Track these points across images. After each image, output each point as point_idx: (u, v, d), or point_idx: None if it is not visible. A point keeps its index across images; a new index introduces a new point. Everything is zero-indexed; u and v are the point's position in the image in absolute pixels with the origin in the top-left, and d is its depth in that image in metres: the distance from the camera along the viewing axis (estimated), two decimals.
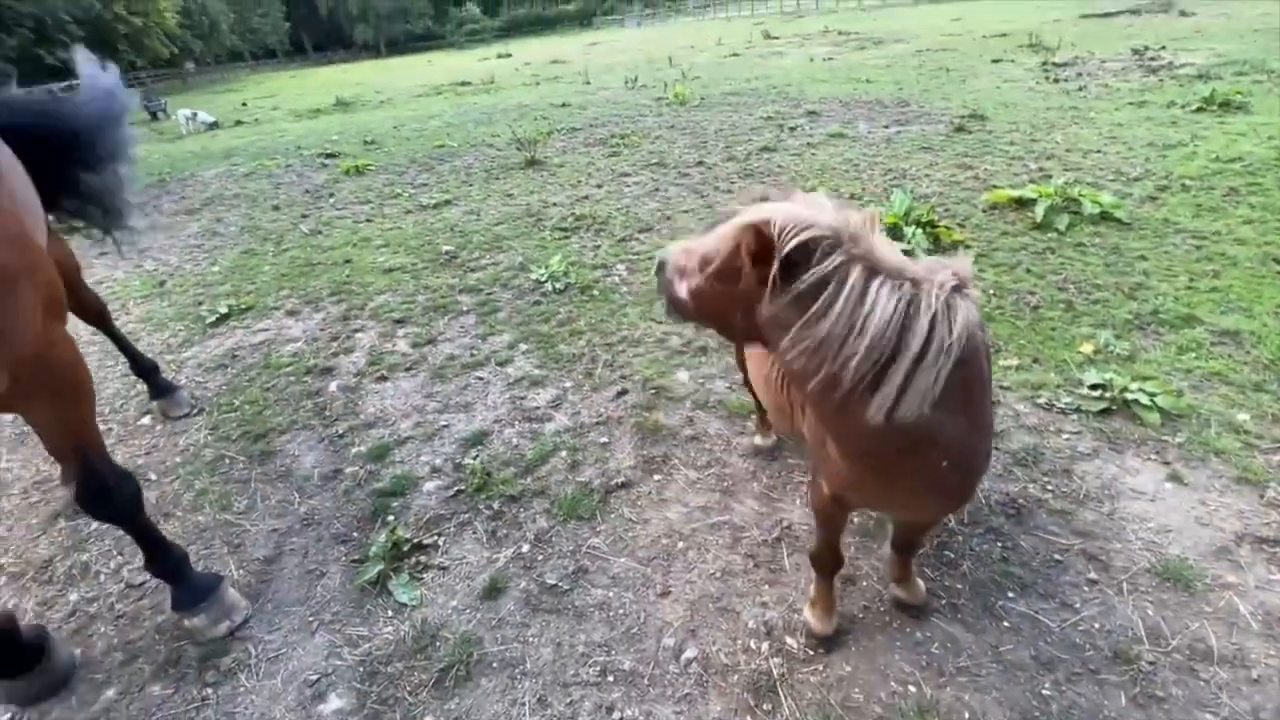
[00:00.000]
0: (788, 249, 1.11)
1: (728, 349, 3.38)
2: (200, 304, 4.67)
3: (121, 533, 2.39)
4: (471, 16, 73.29)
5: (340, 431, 3.00)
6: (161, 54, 42.27)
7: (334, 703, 1.78)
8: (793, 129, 7.95)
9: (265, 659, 1.94)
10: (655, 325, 3.69)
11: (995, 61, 11.12)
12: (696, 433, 2.78)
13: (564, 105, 12.34)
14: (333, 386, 3.39)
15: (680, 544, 2.21)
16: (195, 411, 3.32)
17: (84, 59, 2.45)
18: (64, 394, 1.56)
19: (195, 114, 15.67)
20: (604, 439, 2.80)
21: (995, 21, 17.11)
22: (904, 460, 1.26)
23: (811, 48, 17.33)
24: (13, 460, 3.09)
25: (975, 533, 2.12)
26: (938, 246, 4.10)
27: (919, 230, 4.13)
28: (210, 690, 1.85)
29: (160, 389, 3.31)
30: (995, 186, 5.06)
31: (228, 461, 2.90)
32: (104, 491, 1.74)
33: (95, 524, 2.57)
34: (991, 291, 3.60)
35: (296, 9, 65.82)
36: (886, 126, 7.54)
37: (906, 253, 4.04)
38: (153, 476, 2.87)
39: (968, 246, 4.13)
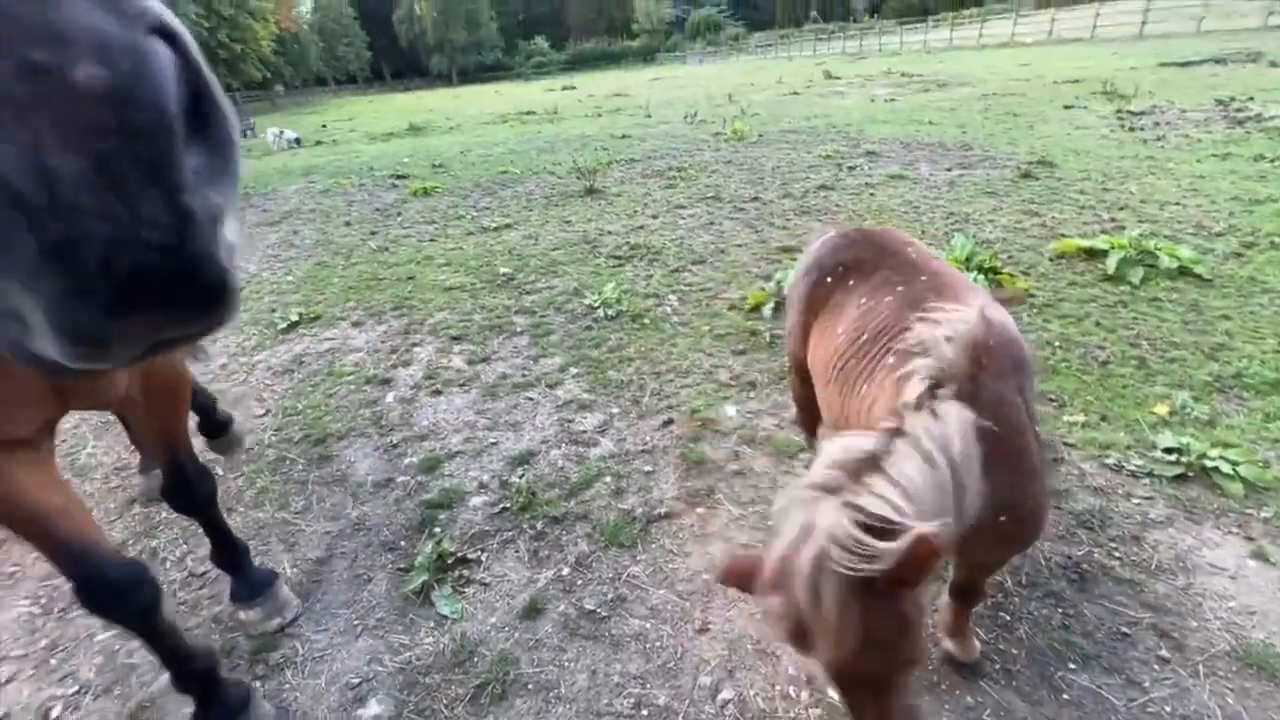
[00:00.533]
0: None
1: (775, 385, 3.36)
2: (274, 311, 4.94)
3: (188, 523, 2.54)
4: (539, 50, 76.50)
5: (394, 441, 3.11)
6: (255, 77, 45.70)
7: (373, 708, 1.81)
8: (851, 168, 7.93)
9: (311, 658, 2.00)
10: (704, 357, 3.70)
11: (1067, 108, 10.86)
12: (742, 468, 2.76)
13: (624, 137, 12.67)
14: (390, 397, 3.52)
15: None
16: (263, 413, 3.50)
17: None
18: (166, 399, 1.68)
19: (282, 131, 16.83)
20: (648, 467, 2.80)
21: (1067, 67, 16.75)
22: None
23: (873, 89, 17.33)
24: (97, 447, 3.32)
25: (1034, 596, 2.02)
26: (998, 295, 3.99)
27: (981, 275, 4.03)
28: (258, 683, 1.91)
29: (215, 426, 3.09)
30: (1064, 235, 4.91)
31: (288, 463, 3.04)
32: (186, 485, 1.85)
33: (165, 513, 2.72)
34: (1056, 343, 3.47)
35: (378, 39, 70.24)
36: (949, 169, 7.43)
37: None
38: (219, 471, 3.03)
39: (1032, 295, 4.00)
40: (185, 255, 0.34)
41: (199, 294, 0.35)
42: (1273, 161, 6.35)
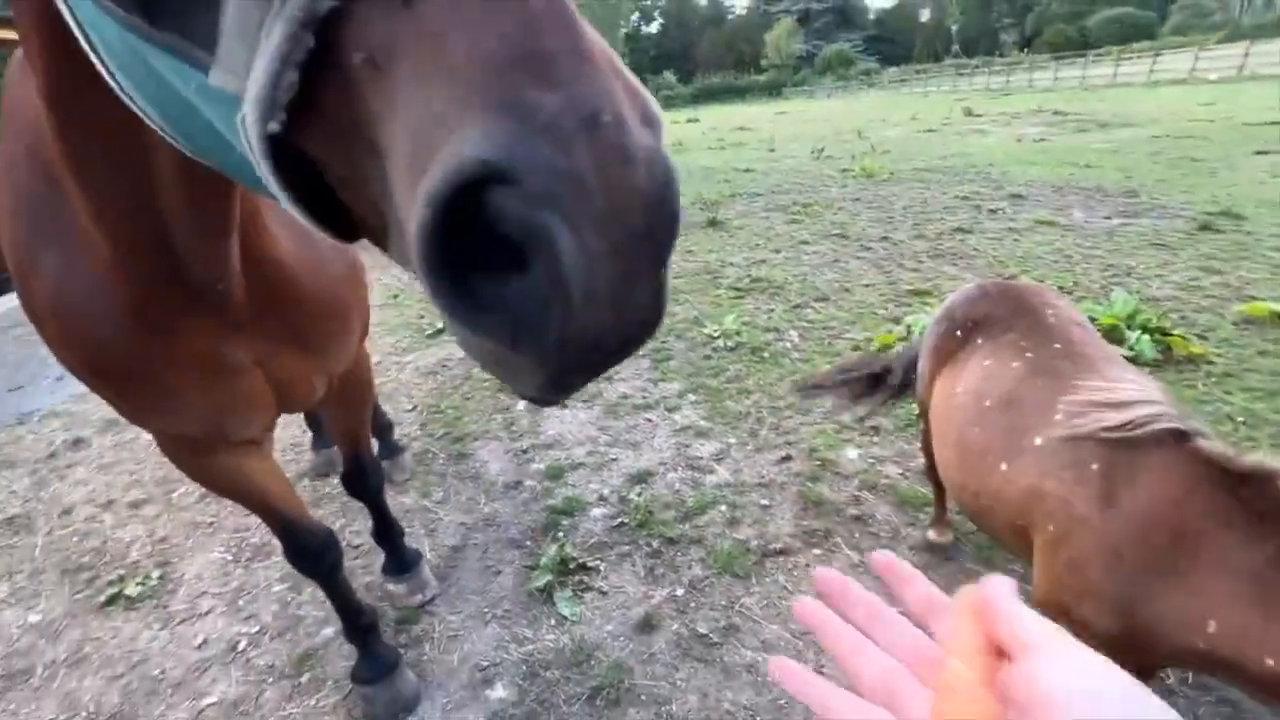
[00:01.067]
0: None
1: (901, 431, 3.25)
2: (422, 317, 5.48)
3: (347, 499, 2.87)
4: (667, 83, 79.22)
5: (524, 447, 3.34)
6: None
7: (499, 691, 1.96)
8: (993, 211, 7.49)
9: (446, 636, 2.20)
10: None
11: (1260, 153, 9.58)
12: (862, 514, 2.69)
13: (747, 170, 12.79)
14: (520, 405, 3.79)
15: None
16: (411, 408, 3.89)
17: None
18: (357, 399, 1.92)
19: None
20: (764, 501, 2.81)
21: (1262, 107, 14.79)
22: None
23: (1020, 127, 16.26)
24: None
25: (1203, 699, 1.80)
26: (1169, 358, 3.61)
27: (1145, 336, 3.66)
28: (402, 650, 2.13)
29: (390, 449, 3.24)
30: (1252, 297, 4.33)
31: (430, 455, 3.36)
32: (363, 476, 2.10)
33: (329, 487, 3.10)
34: (1240, 419, 3.07)
35: None
36: (1108, 217, 6.81)
37: (1130, 359, 3.61)
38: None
39: (1210, 362, 3.58)
40: (658, 327, 0.42)
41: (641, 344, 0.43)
42: None
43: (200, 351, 1.17)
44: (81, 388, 4.41)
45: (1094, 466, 1.29)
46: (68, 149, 0.83)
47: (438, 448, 3.41)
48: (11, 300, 7.93)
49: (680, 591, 2.32)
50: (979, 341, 1.78)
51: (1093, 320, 3.87)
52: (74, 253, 1.03)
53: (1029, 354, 1.62)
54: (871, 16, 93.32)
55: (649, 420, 3.54)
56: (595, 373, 0.42)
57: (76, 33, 0.56)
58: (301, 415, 3.51)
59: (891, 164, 11.70)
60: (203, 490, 3.25)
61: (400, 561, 2.35)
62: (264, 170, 0.43)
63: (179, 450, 1.47)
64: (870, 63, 78.88)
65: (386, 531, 2.33)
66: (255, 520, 2.98)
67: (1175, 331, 3.79)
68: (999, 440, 1.50)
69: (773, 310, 5.01)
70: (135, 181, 0.84)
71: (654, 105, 0.40)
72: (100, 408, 4.47)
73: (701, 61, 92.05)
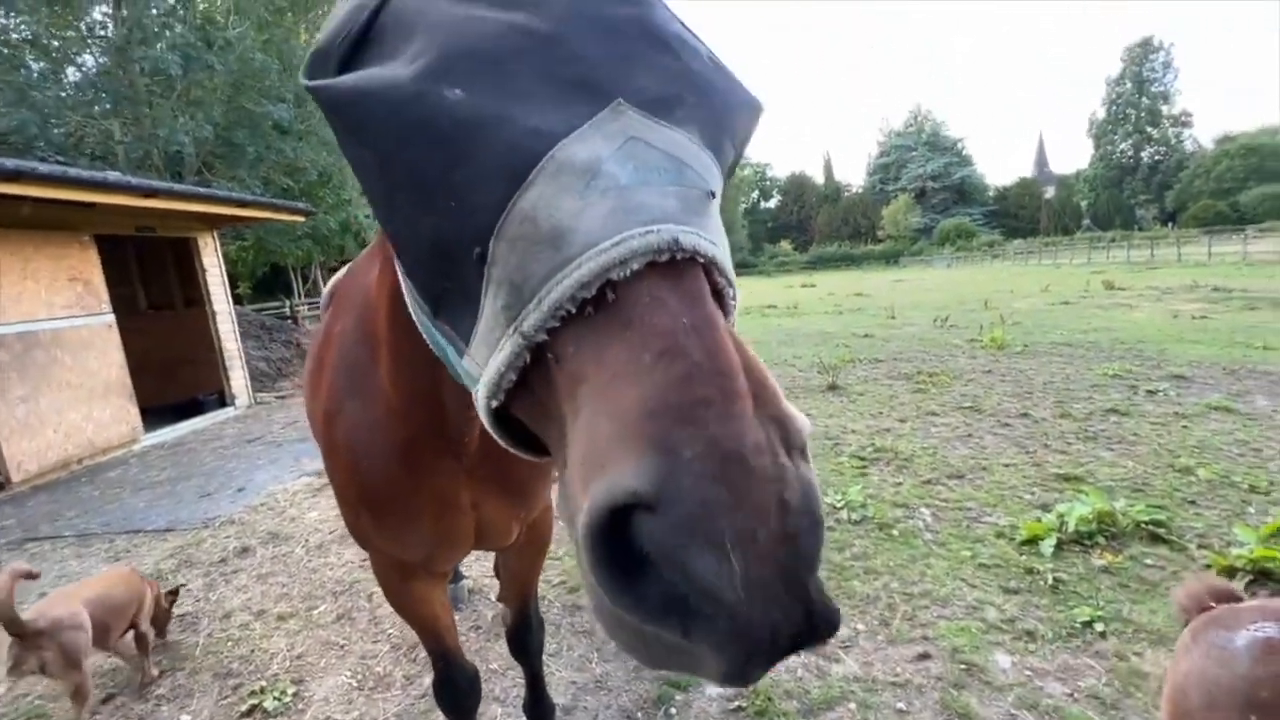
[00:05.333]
0: None
1: (1063, 640, 2.82)
2: None
3: (472, 644, 2.93)
4: (783, 251, 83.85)
5: None
6: None
7: None
8: (1151, 392, 6.86)
9: None
10: (966, 587, 3.31)
11: None
12: None
13: (866, 336, 12.83)
14: None
15: None
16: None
17: None
18: (539, 547, 2.02)
19: None
20: (901, 704, 2.50)
21: None
22: None
23: (1173, 303, 15.18)
24: None
25: None
26: None
27: None
28: None
29: (455, 576, 3.38)
30: None
31: (546, 602, 3.38)
32: (528, 633, 2.15)
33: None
34: None
35: None
36: None
37: None
38: (492, 596, 3.49)
39: None
40: (829, 620, 0.48)
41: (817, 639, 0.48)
42: None
43: (440, 490, 1.40)
44: (257, 499, 5.02)
45: None
46: (392, 339, 1.17)
47: (553, 595, 3.44)
48: (216, 416, 9.45)
49: None
50: None
51: None
52: (371, 402, 1.34)
53: None
54: (991, 193, 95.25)
55: None
56: (772, 662, 0.47)
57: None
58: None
59: (1024, 336, 11.25)
60: (339, 612, 3.49)
61: None
62: (487, 423, 0.61)
63: (390, 572, 1.66)
64: (993, 235, 79.10)
65: (540, 705, 2.28)
66: (381, 648, 3.12)
67: None
68: None
69: (901, 484, 4.76)
70: (429, 368, 1.13)
71: (798, 425, 0.48)
72: (268, 520, 5.04)
73: (818, 232, 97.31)
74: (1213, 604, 1.39)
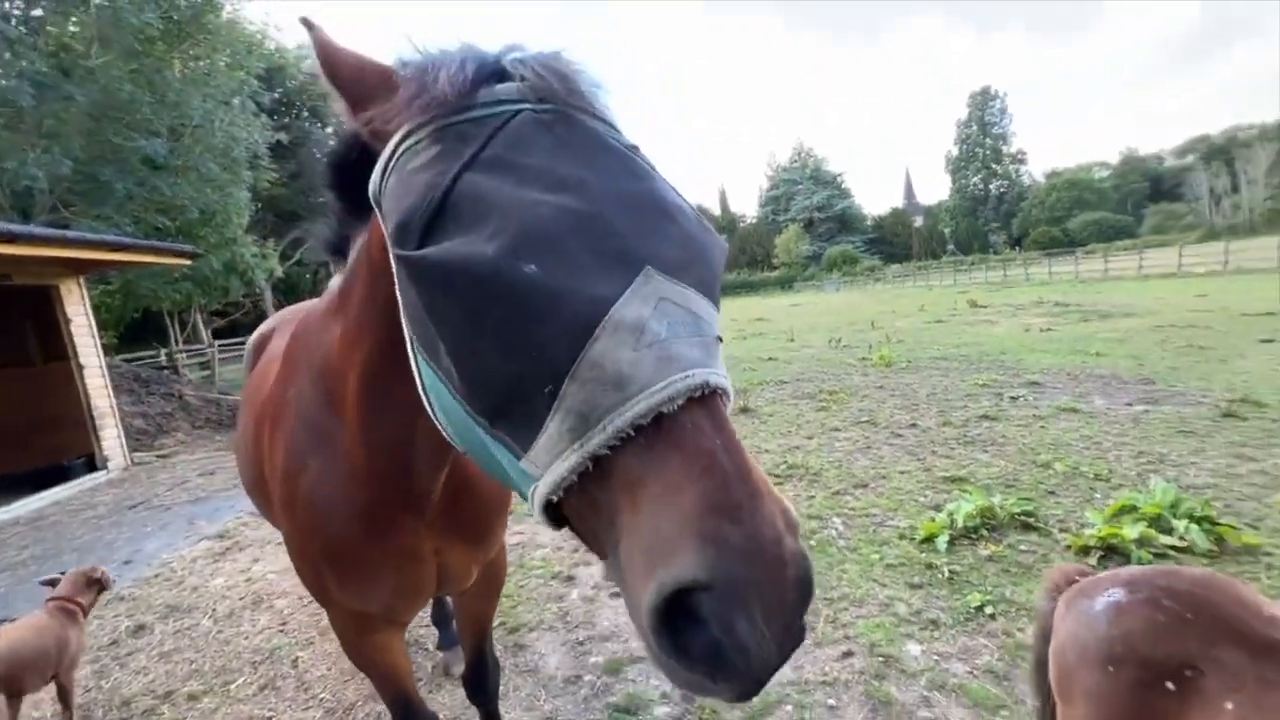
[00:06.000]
0: None
1: (962, 626, 3.20)
2: None
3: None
4: None
5: (580, 639, 3.34)
6: None
7: None
8: (1014, 398, 7.82)
9: None
10: (877, 587, 3.65)
11: (1266, 341, 10.05)
12: (935, 716, 2.59)
13: (770, 359, 13.61)
14: (574, 594, 3.83)
15: None
16: None
17: None
18: (494, 588, 2.07)
19: None
20: (831, 701, 2.73)
21: (1254, 299, 15.69)
22: None
23: (1025, 317, 17.31)
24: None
25: None
26: (1224, 549, 3.61)
27: (1194, 526, 3.70)
28: None
29: (451, 639, 3.28)
30: None
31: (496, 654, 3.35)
32: (485, 673, 2.17)
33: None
34: None
35: None
36: (1130, 404, 7.07)
37: (1178, 549, 3.62)
38: (429, 647, 3.41)
39: (1268, 554, 3.56)
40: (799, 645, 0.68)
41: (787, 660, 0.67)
42: None
43: (404, 543, 1.45)
44: (148, 571, 4.58)
45: None
46: (364, 409, 1.24)
47: (495, 637, 3.41)
48: (84, 483, 8.42)
49: None
50: (1229, 707, 1.24)
51: (1133, 509, 3.97)
52: (335, 462, 1.38)
53: None
54: (869, 222, 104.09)
55: None
56: (764, 683, 0.66)
57: (416, 376, 0.91)
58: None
59: (907, 353, 12.40)
60: (262, 683, 3.28)
61: None
62: (537, 513, 0.76)
63: (350, 626, 1.66)
64: (873, 260, 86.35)
65: None
66: (313, 715, 2.97)
67: (1223, 521, 3.82)
68: None
69: (814, 497, 5.14)
70: (401, 431, 1.23)
71: (794, 513, 0.70)
72: (164, 592, 4.60)
73: None
74: (1077, 578, 1.70)
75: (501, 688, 2.97)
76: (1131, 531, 3.70)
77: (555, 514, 0.77)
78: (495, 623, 3.56)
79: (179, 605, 4.33)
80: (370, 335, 1.15)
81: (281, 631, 3.80)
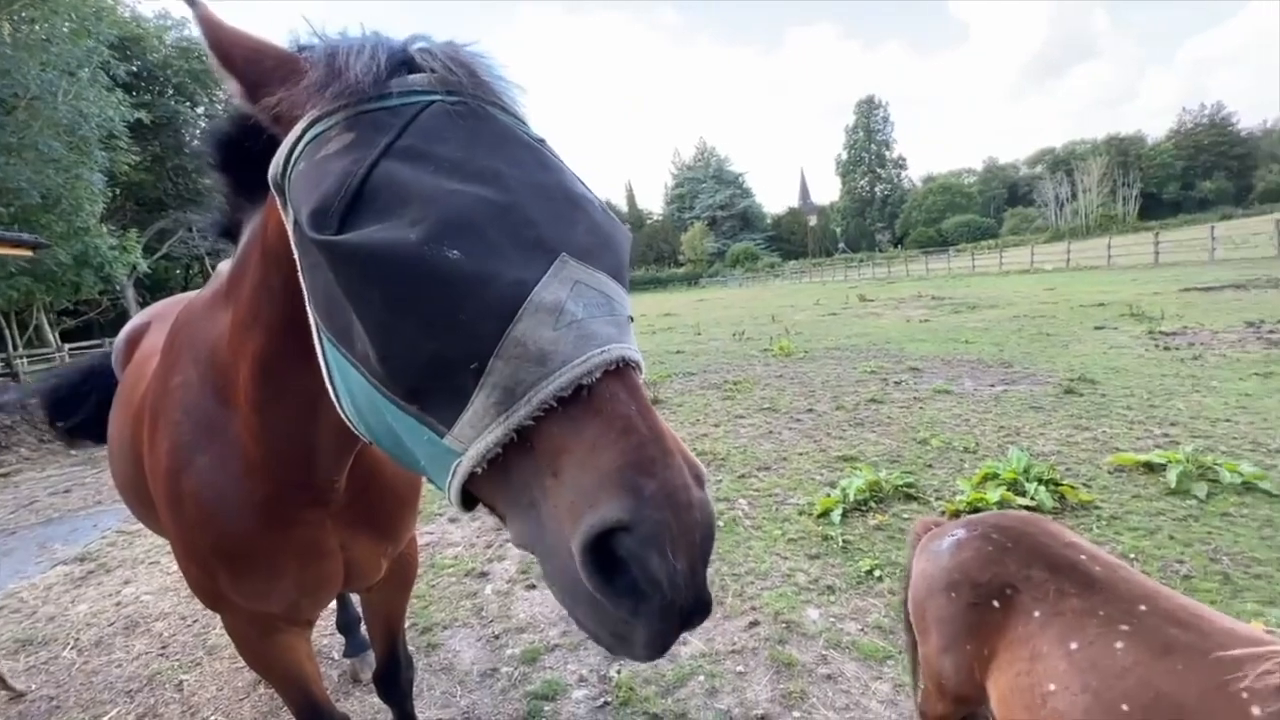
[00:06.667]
0: None
1: (854, 589, 3.50)
2: None
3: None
4: None
5: (496, 633, 3.32)
6: None
7: None
8: (897, 383, 8.54)
9: None
10: (780, 560, 3.90)
11: (1097, 328, 11.59)
12: (832, 672, 2.83)
13: (679, 352, 13.97)
14: (488, 589, 3.79)
15: None
16: None
17: None
18: (406, 578, 2.01)
19: None
20: (740, 668, 2.91)
21: (1091, 291, 18.04)
22: None
23: (906, 310, 18.87)
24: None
25: None
26: (1065, 506, 4.17)
27: (1042, 487, 4.25)
28: None
29: (359, 645, 3.18)
30: (1118, 449, 5.13)
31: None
32: (398, 671, 2.10)
33: None
34: (1132, 556, 3.55)
35: None
36: (992, 385, 7.93)
37: (1031, 508, 4.14)
38: (335, 656, 3.26)
39: (1098, 508, 4.15)
40: (711, 604, 0.74)
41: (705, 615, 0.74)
42: None
43: (307, 537, 1.39)
44: None
45: None
46: (259, 399, 1.20)
47: (408, 639, 3.31)
48: None
49: None
50: (1037, 615, 1.48)
51: (995, 476, 4.49)
52: (227, 456, 1.30)
53: (1123, 626, 1.36)
54: (768, 221, 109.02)
55: None
56: (676, 634, 0.73)
57: (321, 361, 0.91)
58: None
59: (805, 344, 13.17)
60: (140, 712, 3.00)
61: None
62: (454, 488, 0.79)
63: (250, 629, 1.56)
64: (773, 257, 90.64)
65: None
66: None
67: (1065, 482, 4.41)
68: None
69: (720, 481, 5.38)
70: (300, 420, 1.19)
71: (701, 468, 0.76)
72: (12, 626, 4.06)
73: None
74: (932, 528, 1.97)
75: (416, 687, 2.91)
76: (993, 495, 4.19)
77: (468, 496, 0.80)
78: (407, 624, 3.47)
79: (34, 638, 3.84)
80: (265, 321, 1.11)
81: (162, 655, 3.48)
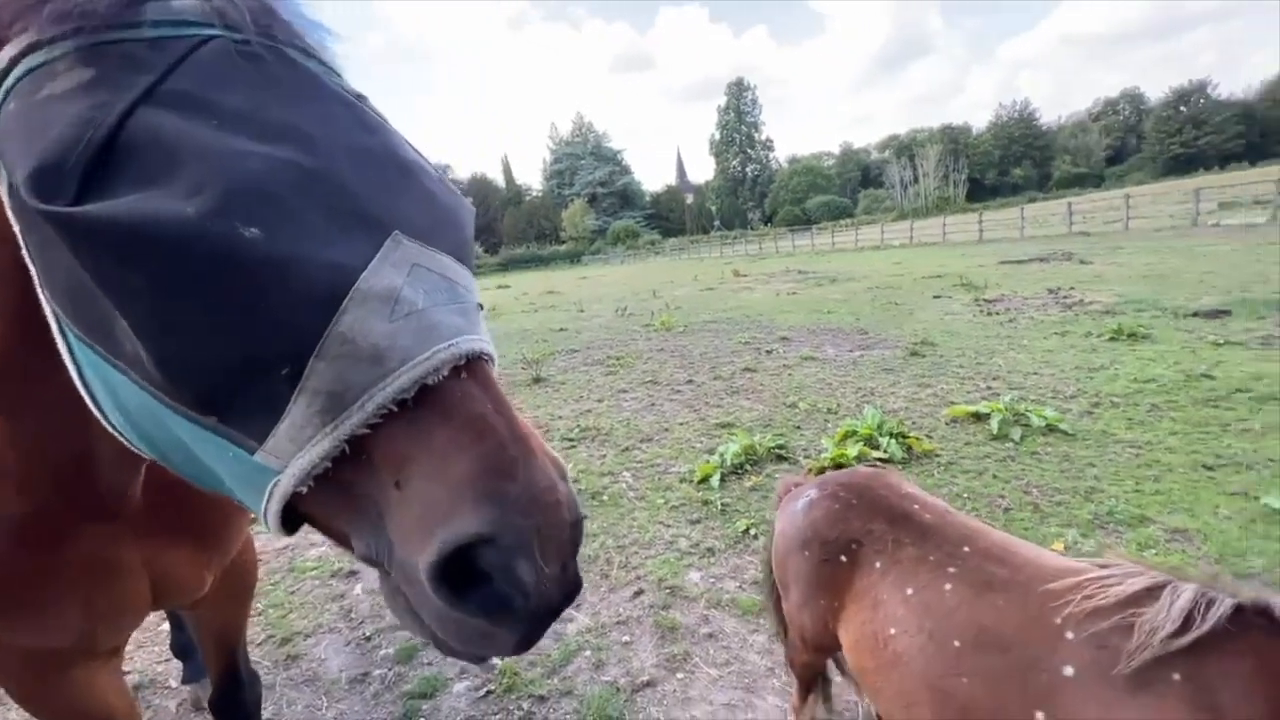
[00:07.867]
0: None
1: (732, 549, 3.65)
2: None
3: None
4: (474, 254, 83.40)
5: (367, 634, 3.08)
6: None
7: None
8: (769, 352, 9.03)
9: None
10: (663, 528, 3.97)
11: (935, 297, 12.99)
12: (713, 631, 2.93)
13: (561, 330, 13.79)
14: (358, 589, 3.51)
15: None
16: None
17: None
18: (241, 593, 1.75)
19: None
20: (625, 638, 2.93)
21: (929, 265, 20.20)
22: None
23: (776, 284, 20.01)
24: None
25: None
26: (912, 455, 4.62)
27: (893, 440, 4.68)
28: None
29: (199, 669, 2.80)
30: (953, 402, 5.78)
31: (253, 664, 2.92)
32: (240, 692, 1.84)
33: None
34: (965, 495, 4.02)
35: None
36: (851, 351, 8.63)
37: (884, 460, 4.52)
38: (172, 684, 2.86)
39: (938, 455, 4.65)
40: (579, 589, 0.68)
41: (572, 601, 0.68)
42: (1098, 337, 7.85)
43: (86, 558, 1.14)
44: None
45: (1175, 677, 1.08)
46: (13, 407, 0.96)
47: (260, 654, 2.98)
48: None
49: None
50: (877, 565, 1.58)
51: (854, 433, 4.88)
52: None
53: (950, 569, 1.44)
54: (648, 199, 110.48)
55: None
56: (546, 626, 0.67)
57: (68, 362, 0.72)
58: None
59: (684, 318, 13.54)
60: None
61: None
62: (272, 512, 0.65)
63: (24, 670, 1.26)
64: (653, 235, 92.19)
65: None
66: None
67: (911, 434, 4.89)
68: (1012, 685, 1.24)
69: (605, 455, 5.38)
70: (64, 425, 0.96)
71: (563, 462, 0.69)
72: None
73: (505, 235, 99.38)
74: (793, 488, 2.06)
75: (274, 707, 2.64)
76: (853, 451, 4.55)
77: (291, 515, 0.67)
78: (262, 636, 3.13)
79: None
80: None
81: None
